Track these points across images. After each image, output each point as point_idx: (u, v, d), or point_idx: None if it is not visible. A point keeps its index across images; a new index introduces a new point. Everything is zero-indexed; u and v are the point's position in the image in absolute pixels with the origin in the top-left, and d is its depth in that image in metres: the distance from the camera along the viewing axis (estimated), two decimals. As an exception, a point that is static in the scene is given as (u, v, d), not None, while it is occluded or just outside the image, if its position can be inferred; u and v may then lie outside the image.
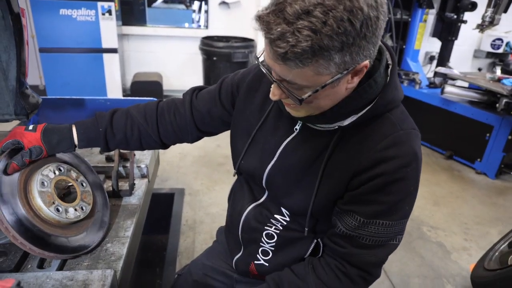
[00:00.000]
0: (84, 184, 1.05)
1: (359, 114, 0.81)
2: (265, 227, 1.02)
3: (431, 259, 2.38)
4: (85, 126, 1.04)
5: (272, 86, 0.78)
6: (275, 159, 0.94)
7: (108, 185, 1.30)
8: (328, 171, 0.86)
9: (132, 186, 1.30)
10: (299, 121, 0.90)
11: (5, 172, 0.93)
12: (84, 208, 1.01)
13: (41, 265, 0.95)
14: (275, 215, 1.00)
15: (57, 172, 0.99)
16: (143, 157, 1.50)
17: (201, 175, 3.20)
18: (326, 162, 0.85)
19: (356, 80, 0.74)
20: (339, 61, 0.66)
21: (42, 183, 0.94)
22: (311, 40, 0.61)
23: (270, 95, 0.79)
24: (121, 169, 1.36)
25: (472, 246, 2.54)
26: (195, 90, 1.13)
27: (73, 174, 1.04)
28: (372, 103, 0.80)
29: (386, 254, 0.87)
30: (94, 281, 0.87)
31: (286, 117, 0.91)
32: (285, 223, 0.99)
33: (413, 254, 2.41)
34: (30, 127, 0.99)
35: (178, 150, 3.60)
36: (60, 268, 0.94)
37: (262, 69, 0.76)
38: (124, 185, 1.31)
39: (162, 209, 2.52)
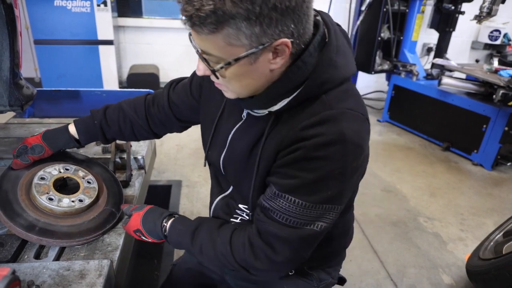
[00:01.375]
0: (90, 182, 1.10)
1: (290, 98, 0.79)
2: (231, 219, 1.02)
3: (427, 249, 2.40)
4: (82, 121, 1.14)
5: (198, 60, 0.78)
6: (226, 147, 0.95)
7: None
8: (263, 156, 0.85)
9: (129, 176, 1.30)
10: (245, 109, 0.91)
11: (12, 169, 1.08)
12: (83, 200, 1.03)
13: (38, 255, 0.95)
14: (239, 205, 1.00)
15: (62, 171, 1.08)
16: (140, 148, 1.50)
17: (198, 167, 3.20)
18: (262, 147, 0.85)
19: (280, 60, 0.72)
20: (248, 32, 0.65)
21: (42, 178, 1.03)
22: (214, 4, 0.62)
23: (196, 70, 0.79)
24: (117, 160, 1.36)
25: (468, 237, 2.56)
26: (173, 83, 1.15)
27: (81, 173, 1.11)
28: (304, 85, 0.77)
29: (298, 237, 0.81)
30: (91, 271, 0.87)
31: (237, 105, 0.90)
32: (250, 212, 0.98)
33: (410, 244, 2.43)
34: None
35: (175, 142, 3.59)
36: (57, 258, 0.94)
37: (190, 42, 0.75)
38: (121, 176, 1.31)
39: (160, 201, 2.52)
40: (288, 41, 0.69)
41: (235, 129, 0.93)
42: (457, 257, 2.34)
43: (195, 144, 3.58)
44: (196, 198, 2.74)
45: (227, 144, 0.95)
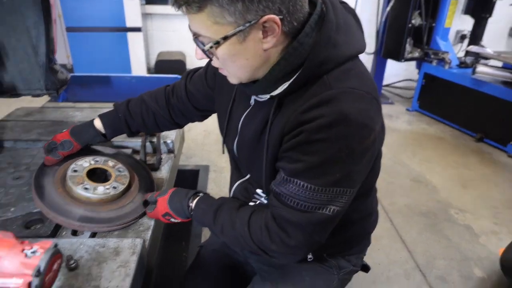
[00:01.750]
0: (121, 170, 1.13)
1: (290, 81, 0.77)
2: (250, 203, 1.03)
3: (458, 241, 2.33)
4: (107, 115, 1.18)
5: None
6: (238, 134, 0.96)
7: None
8: (271, 141, 0.84)
9: (159, 160, 1.32)
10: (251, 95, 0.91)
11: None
12: (116, 187, 1.07)
13: (75, 232, 0.99)
14: (257, 190, 1.01)
15: (92, 162, 1.12)
16: (169, 133, 1.52)
17: (225, 153, 3.22)
18: (269, 132, 0.84)
19: (271, 39, 0.72)
20: (231, 8, 0.66)
21: (75, 170, 1.07)
22: None
23: (195, 55, 0.81)
24: (148, 144, 1.39)
25: (502, 230, 2.46)
26: (190, 73, 1.17)
27: (110, 163, 1.14)
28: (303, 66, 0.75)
29: (310, 221, 0.80)
30: (125, 249, 0.89)
31: (245, 92, 0.90)
32: (267, 196, 0.99)
33: (439, 236, 2.37)
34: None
35: (203, 128, 3.62)
36: (92, 236, 0.98)
37: (189, 29, 0.77)
38: (150, 160, 1.33)
39: (188, 185, 2.53)
40: (275, 17, 0.68)
41: (244, 115, 0.94)
42: (490, 250, 2.26)
43: (221, 131, 3.60)
44: (223, 183, 2.77)
45: (238, 130, 0.96)
